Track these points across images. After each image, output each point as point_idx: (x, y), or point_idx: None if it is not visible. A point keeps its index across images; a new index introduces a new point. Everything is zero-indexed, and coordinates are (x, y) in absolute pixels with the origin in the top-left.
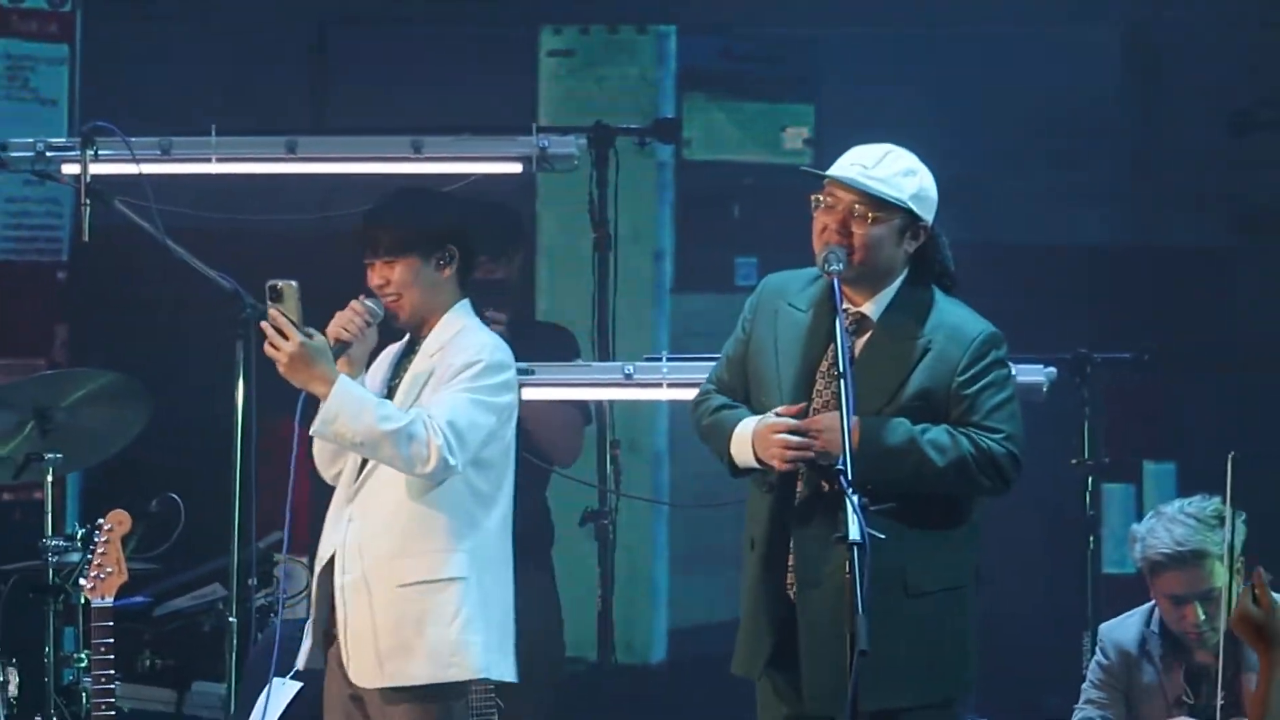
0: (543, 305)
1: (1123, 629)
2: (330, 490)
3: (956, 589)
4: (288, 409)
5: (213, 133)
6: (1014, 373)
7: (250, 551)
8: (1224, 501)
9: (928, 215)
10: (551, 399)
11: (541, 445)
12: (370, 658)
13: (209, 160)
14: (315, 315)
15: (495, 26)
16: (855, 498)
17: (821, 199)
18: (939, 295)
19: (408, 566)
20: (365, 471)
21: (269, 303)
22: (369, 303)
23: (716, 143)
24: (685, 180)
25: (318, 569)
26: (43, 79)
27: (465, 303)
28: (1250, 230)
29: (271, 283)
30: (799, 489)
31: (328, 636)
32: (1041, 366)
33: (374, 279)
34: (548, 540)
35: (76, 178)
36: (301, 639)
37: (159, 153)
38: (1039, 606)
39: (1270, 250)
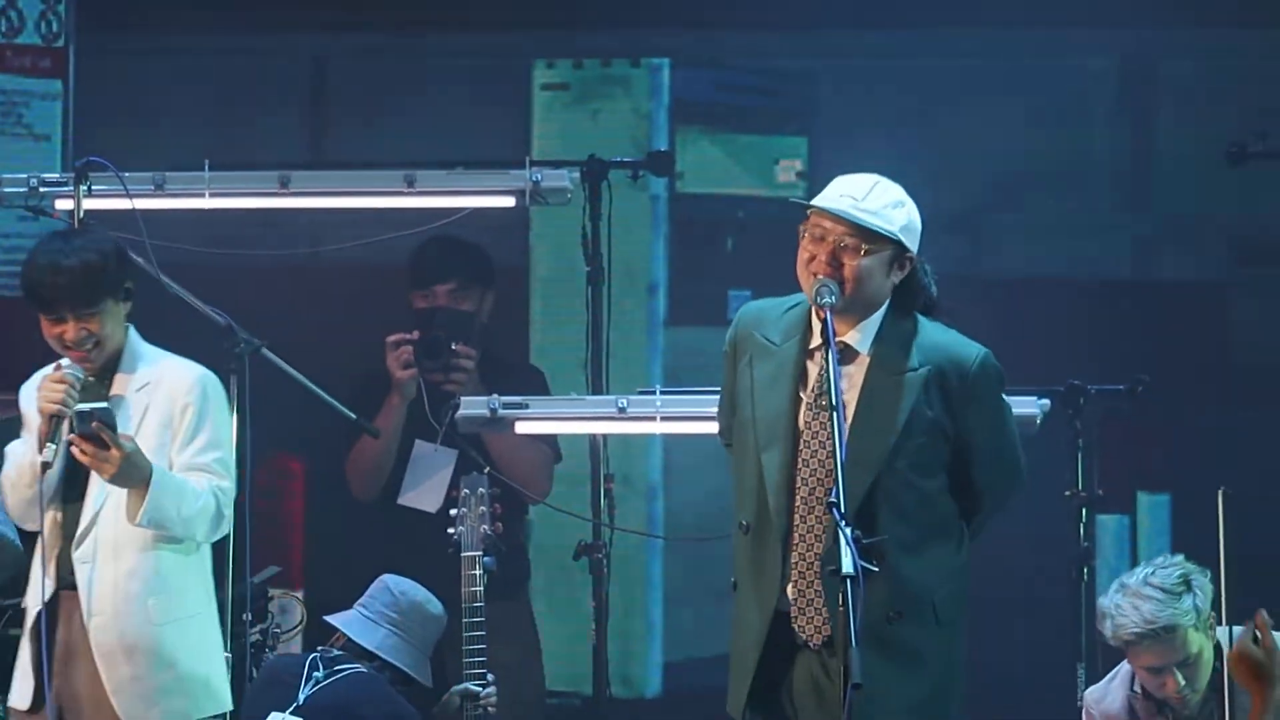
0: (536, 339)
1: (1109, 698)
2: (334, 525)
3: (963, 620)
4: (281, 444)
5: (206, 168)
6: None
7: (245, 586)
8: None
9: (914, 246)
10: (529, 434)
11: (514, 481)
12: None
13: (202, 195)
14: (309, 349)
15: (489, 60)
16: (848, 530)
17: (809, 229)
18: (922, 321)
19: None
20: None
21: (79, 427)
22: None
23: (710, 176)
24: (679, 213)
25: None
26: (36, 114)
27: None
28: (1245, 262)
29: (79, 409)
30: (796, 529)
31: None
32: (1035, 398)
33: (72, 334)
34: (524, 575)
35: (70, 213)
36: (300, 671)
37: (152, 188)
38: (1031, 638)
39: (1265, 282)
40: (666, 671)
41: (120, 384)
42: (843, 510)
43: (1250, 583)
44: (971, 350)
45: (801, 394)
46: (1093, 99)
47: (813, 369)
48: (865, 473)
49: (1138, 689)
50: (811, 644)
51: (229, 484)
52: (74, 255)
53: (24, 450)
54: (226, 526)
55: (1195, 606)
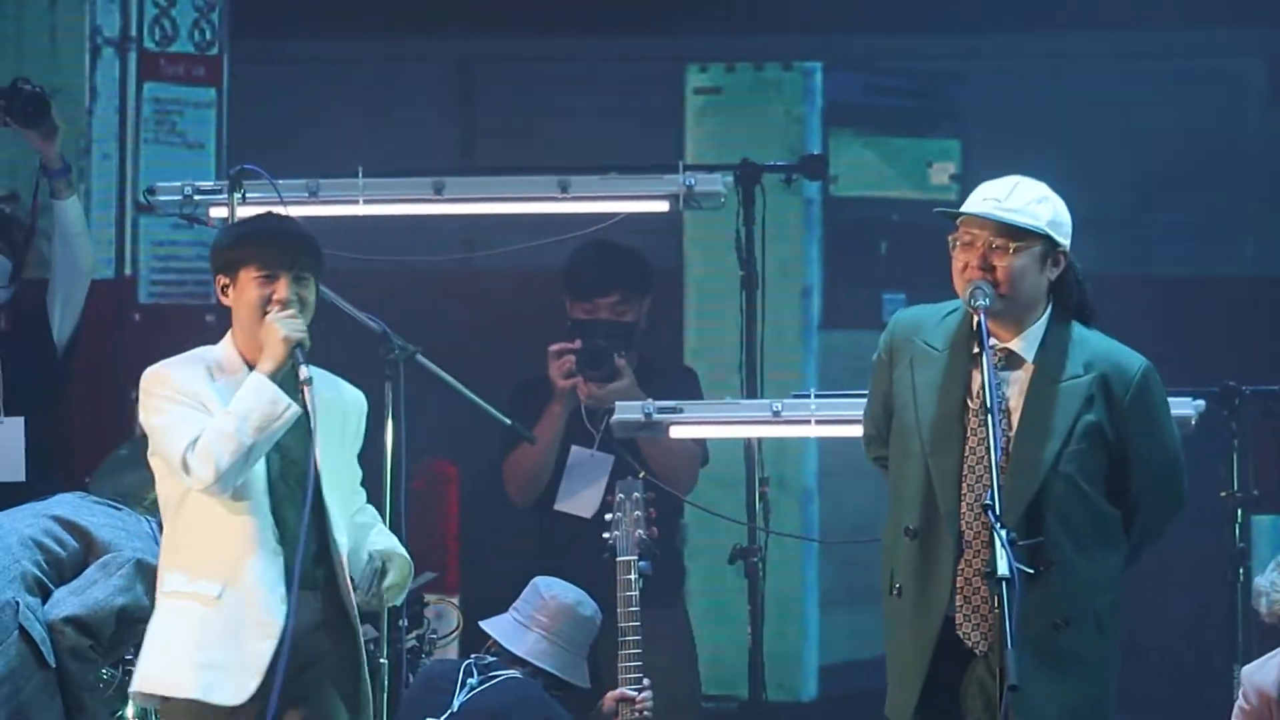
0: (691, 343)
1: (1263, 672)
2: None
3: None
4: (436, 450)
5: (359, 174)
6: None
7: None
8: None
9: (1065, 241)
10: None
11: (661, 478)
12: None
13: (356, 202)
14: (464, 355)
15: (642, 64)
16: (1004, 533)
17: (958, 238)
18: (1083, 329)
19: None
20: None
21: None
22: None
23: (863, 179)
24: (832, 217)
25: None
26: (190, 123)
27: None
28: None
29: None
30: (964, 533)
31: None
32: (1191, 399)
33: (283, 293)
34: (680, 581)
35: (224, 220)
36: (455, 678)
37: (306, 194)
38: (1187, 640)
39: None
40: (822, 675)
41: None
42: (998, 513)
43: None
44: (1135, 360)
45: (968, 400)
46: (1244, 97)
47: (977, 375)
48: (1031, 480)
49: None
50: (978, 650)
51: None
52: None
53: (253, 394)
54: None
55: None
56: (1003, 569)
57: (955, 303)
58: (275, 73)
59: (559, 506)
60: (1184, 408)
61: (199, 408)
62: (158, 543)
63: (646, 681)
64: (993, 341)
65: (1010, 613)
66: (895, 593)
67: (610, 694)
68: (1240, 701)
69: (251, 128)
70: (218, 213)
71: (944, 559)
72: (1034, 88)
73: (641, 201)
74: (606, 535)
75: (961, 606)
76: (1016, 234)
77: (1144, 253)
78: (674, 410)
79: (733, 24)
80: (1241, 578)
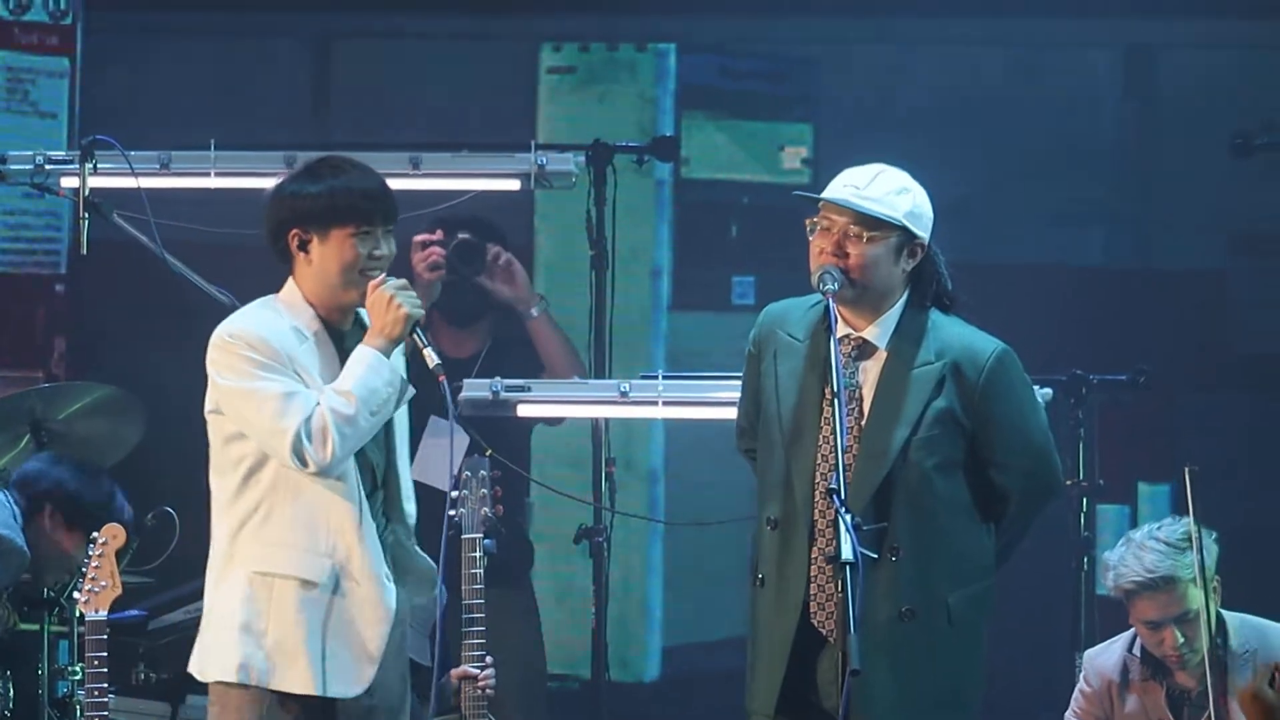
0: None
1: (1105, 655)
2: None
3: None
4: None
5: (212, 147)
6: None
7: None
8: (1190, 518)
9: (924, 232)
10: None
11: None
12: None
13: (208, 175)
14: None
15: (496, 43)
16: (848, 517)
17: (817, 223)
18: (940, 315)
19: None
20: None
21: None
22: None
23: (715, 161)
24: (683, 198)
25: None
26: (42, 92)
27: None
28: (1247, 252)
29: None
30: (817, 522)
31: None
32: (1038, 388)
33: (381, 249)
34: (528, 563)
35: (75, 191)
36: None
37: (158, 167)
38: (1032, 628)
39: (1267, 272)
40: (665, 656)
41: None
42: (843, 497)
43: (1251, 560)
44: (990, 344)
45: (826, 390)
46: (1096, 89)
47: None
48: (879, 466)
49: (1137, 651)
50: (831, 637)
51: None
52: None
53: (368, 372)
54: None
55: (1198, 564)
56: (846, 554)
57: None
58: (129, 44)
59: (415, 476)
60: None
61: (294, 375)
62: (14, 515)
63: (489, 660)
64: (848, 330)
65: (853, 597)
66: (759, 583)
67: (453, 671)
68: (1081, 684)
69: (104, 98)
70: (69, 183)
71: (799, 548)
72: (887, 74)
73: (493, 180)
74: (452, 513)
75: (816, 595)
76: (873, 223)
77: (993, 241)
78: (522, 389)
79: (587, 4)
80: (1086, 566)
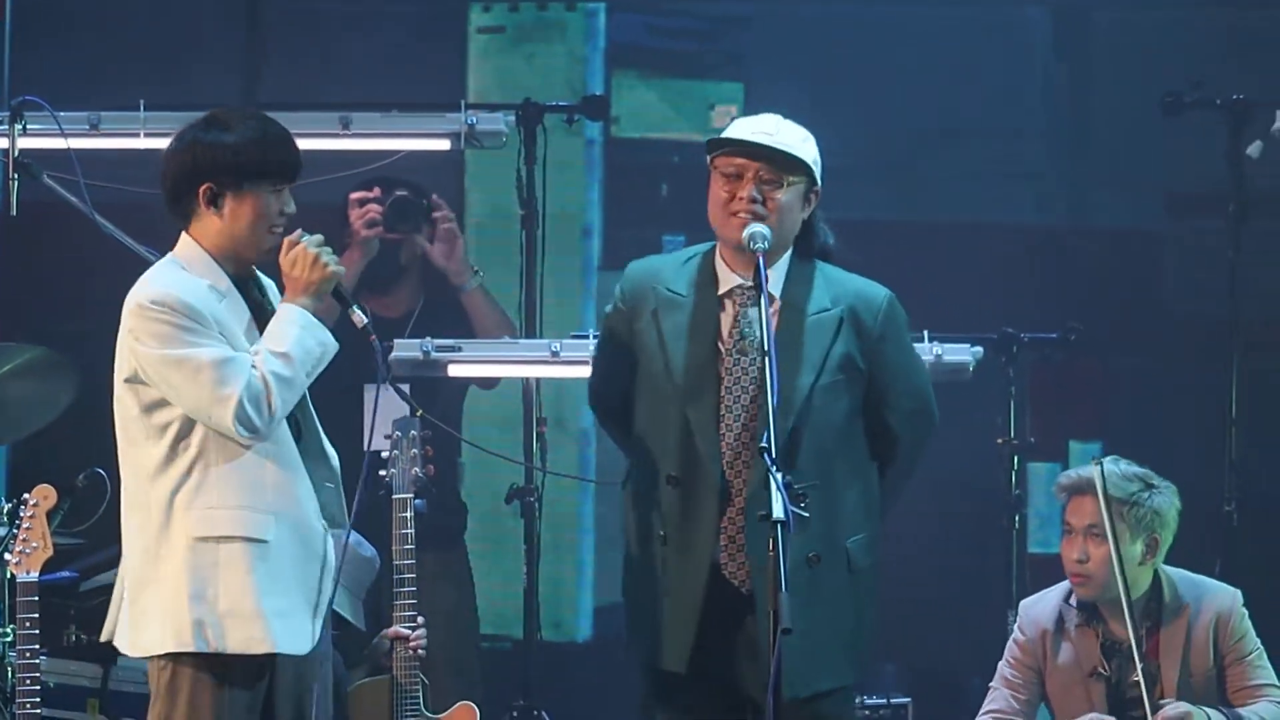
0: None
1: (1040, 605)
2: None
3: (876, 564)
4: None
5: (141, 107)
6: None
7: None
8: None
9: (818, 180)
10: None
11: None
12: None
13: (137, 135)
14: None
15: (425, 3)
16: (779, 475)
17: (719, 169)
18: (825, 266)
19: None
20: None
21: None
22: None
23: (645, 120)
24: (613, 158)
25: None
26: None
27: None
28: (1178, 212)
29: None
30: (726, 474)
31: None
32: (968, 346)
33: (290, 205)
34: (461, 525)
35: (4, 152)
36: None
37: (87, 127)
38: (963, 586)
39: (1197, 232)
40: (597, 615)
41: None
42: (774, 455)
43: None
44: (880, 290)
45: (719, 343)
46: (1028, 46)
47: (725, 318)
48: (786, 416)
49: (1073, 602)
50: (744, 589)
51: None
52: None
53: (296, 335)
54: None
55: (1137, 498)
56: (778, 512)
57: (695, 248)
58: (59, 3)
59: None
60: (961, 354)
61: (220, 338)
62: None
63: (421, 620)
64: (738, 280)
65: (785, 555)
66: (660, 540)
67: (385, 631)
68: (1016, 633)
69: (34, 59)
70: None
71: (707, 503)
72: (817, 32)
73: (423, 140)
74: (383, 473)
75: (726, 546)
76: (789, 167)
77: (924, 199)
78: (452, 349)
79: None
80: (1017, 524)
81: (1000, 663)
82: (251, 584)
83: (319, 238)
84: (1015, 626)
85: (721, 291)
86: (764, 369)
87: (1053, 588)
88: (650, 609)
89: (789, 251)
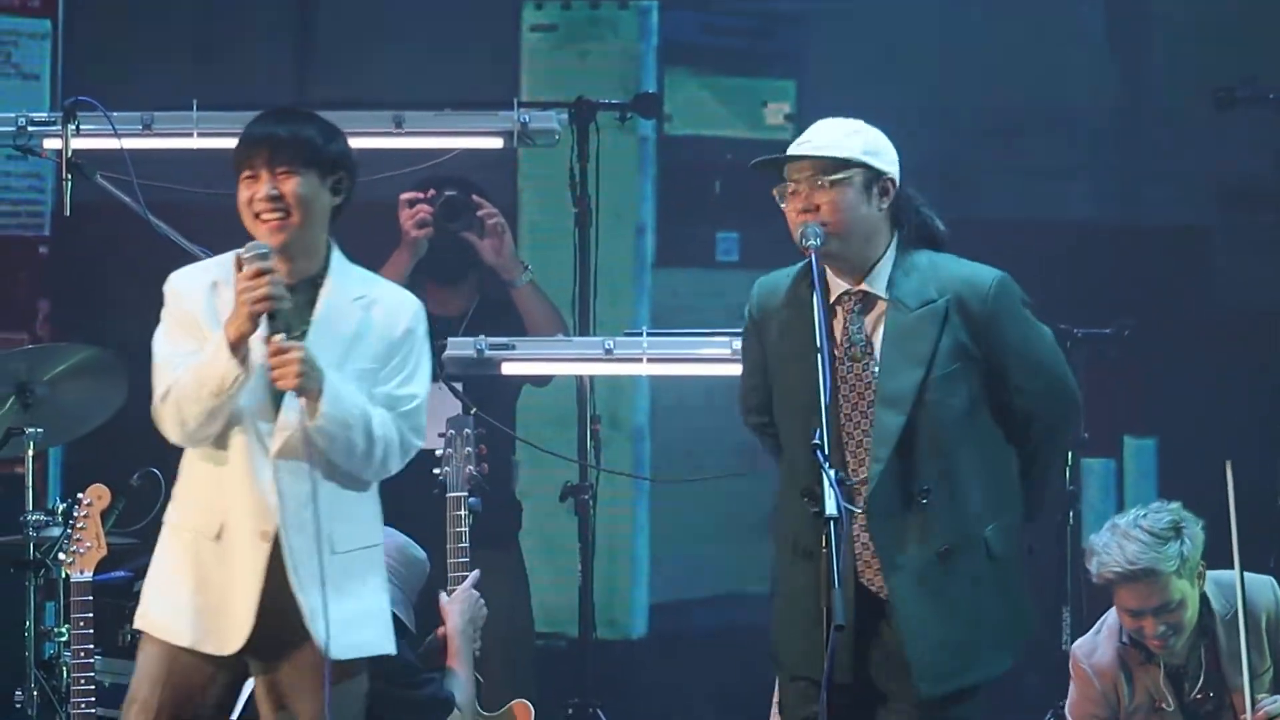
0: None
1: (1100, 653)
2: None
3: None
4: None
5: (194, 107)
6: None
7: None
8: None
9: (889, 168)
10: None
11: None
12: None
13: (190, 135)
14: None
15: (478, 1)
16: (832, 473)
17: (785, 190)
18: (933, 254)
19: None
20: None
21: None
22: (254, 252)
23: (698, 118)
24: (666, 155)
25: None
26: (25, 54)
27: None
28: (1232, 207)
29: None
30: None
31: None
32: None
33: (261, 190)
34: (516, 524)
35: (58, 152)
36: None
37: (140, 127)
38: None
39: (1251, 227)
40: (652, 613)
41: (332, 290)
42: (826, 452)
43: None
44: (989, 273)
45: (833, 351)
46: (1082, 43)
47: (836, 324)
48: (897, 412)
49: (1126, 639)
50: (881, 594)
51: (418, 432)
52: (291, 124)
53: (209, 354)
54: (396, 466)
55: (1181, 554)
56: (830, 509)
57: (805, 261)
58: (111, 4)
59: None
60: None
61: (189, 336)
62: None
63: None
64: (846, 287)
65: (838, 552)
66: (804, 555)
67: (440, 630)
68: (1081, 687)
69: (87, 60)
70: (51, 144)
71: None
72: (870, 30)
73: (476, 138)
74: (437, 471)
75: (861, 553)
76: (831, 167)
77: (976, 196)
78: (506, 346)
79: None
80: (1071, 521)
81: (1068, 710)
82: (183, 577)
83: (257, 252)
84: (1076, 678)
85: (833, 300)
86: (826, 366)
87: (1100, 627)
88: (793, 620)
89: (890, 248)
